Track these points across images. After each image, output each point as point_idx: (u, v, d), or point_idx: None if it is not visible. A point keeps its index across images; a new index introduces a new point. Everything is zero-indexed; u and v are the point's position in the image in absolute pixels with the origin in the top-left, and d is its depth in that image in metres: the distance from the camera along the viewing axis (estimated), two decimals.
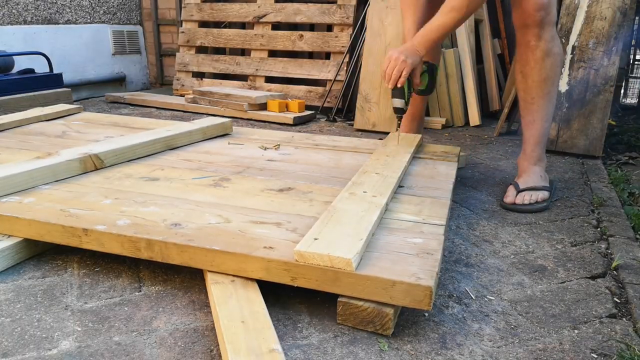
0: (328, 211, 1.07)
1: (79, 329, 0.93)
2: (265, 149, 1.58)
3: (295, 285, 0.92)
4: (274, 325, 0.91)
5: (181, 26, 3.53)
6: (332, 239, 0.93)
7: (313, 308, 0.99)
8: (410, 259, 0.91)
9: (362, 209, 1.08)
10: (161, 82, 4.34)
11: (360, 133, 2.54)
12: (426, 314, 0.99)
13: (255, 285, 0.96)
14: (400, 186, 1.33)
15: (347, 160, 1.59)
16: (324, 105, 2.96)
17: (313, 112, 2.85)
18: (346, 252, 0.87)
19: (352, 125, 2.63)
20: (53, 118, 2.22)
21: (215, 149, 1.69)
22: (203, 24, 3.44)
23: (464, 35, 2.71)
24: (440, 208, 1.17)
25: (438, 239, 1.00)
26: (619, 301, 1.06)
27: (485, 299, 1.05)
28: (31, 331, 0.92)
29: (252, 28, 3.24)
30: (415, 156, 1.63)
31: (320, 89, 3.02)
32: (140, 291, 1.06)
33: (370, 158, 1.50)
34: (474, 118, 2.72)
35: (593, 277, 1.15)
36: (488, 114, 2.93)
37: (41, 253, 1.20)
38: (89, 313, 0.98)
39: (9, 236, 1.14)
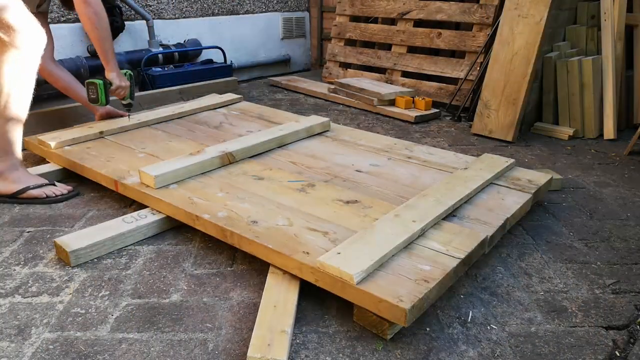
0: (365, 229, 1.33)
1: (185, 288, 1.38)
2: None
3: (317, 285, 1.23)
4: (307, 313, 1.25)
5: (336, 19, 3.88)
6: (350, 255, 1.21)
7: (342, 306, 1.29)
8: (406, 283, 1.14)
9: (394, 232, 1.32)
10: (320, 63, 4.79)
11: (476, 138, 2.62)
12: (427, 329, 1.22)
13: (297, 280, 1.29)
14: (453, 215, 1.50)
15: (425, 179, 1.78)
16: (452, 103, 3.06)
17: (438, 110, 2.99)
18: (352, 268, 1.15)
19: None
20: (219, 107, 2.77)
21: (321, 154, 2.03)
22: (353, 18, 3.74)
23: (609, 43, 2.54)
24: (471, 241, 1.33)
25: (445, 269, 1.20)
26: (618, 355, 1.13)
27: (488, 327, 1.22)
28: (157, 283, 1.40)
29: (395, 24, 3.44)
30: (494, 182, 1.74)
31: (451, 87, 3.11)
32: (231, 267, 1.48)
33: (442, 180, 1.68)
34: (609, 131, 2.57)
35: (608, 328, 1.21)
36: (632, 127, 2.71)
37: (179, 226, 1.69)
38: (195, 277, 1.43)
39: (159, 212, 1.66)
